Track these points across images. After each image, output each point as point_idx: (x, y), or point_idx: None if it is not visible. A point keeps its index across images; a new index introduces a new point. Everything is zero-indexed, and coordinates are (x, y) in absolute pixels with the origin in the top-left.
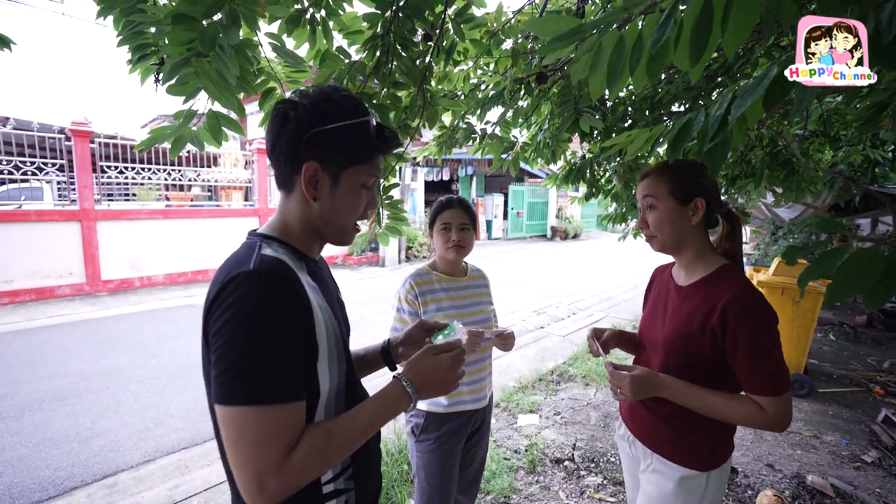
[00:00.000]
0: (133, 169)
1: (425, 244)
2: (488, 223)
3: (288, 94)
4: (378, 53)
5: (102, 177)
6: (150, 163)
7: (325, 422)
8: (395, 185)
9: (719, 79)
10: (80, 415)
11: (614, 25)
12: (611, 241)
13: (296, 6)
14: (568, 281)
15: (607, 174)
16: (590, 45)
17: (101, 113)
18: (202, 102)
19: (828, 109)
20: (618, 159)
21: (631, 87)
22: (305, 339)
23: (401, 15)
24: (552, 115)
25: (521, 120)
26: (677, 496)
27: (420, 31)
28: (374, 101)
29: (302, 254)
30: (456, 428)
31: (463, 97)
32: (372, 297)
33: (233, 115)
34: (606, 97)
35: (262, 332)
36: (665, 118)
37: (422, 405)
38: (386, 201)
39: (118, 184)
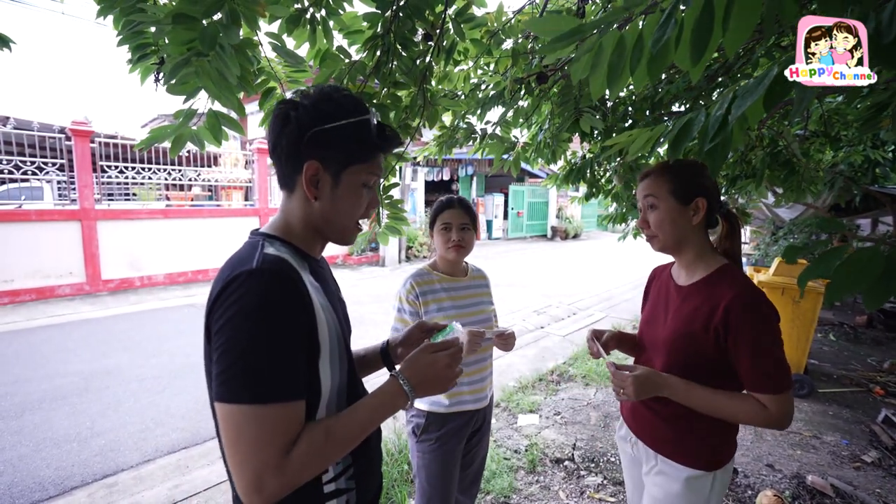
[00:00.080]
0: (133, 168)
1: (425, 244)
2: (488, 223)
3: (288, 94)
4: (378, 53)
5: (103, 176)
6: (150, 162)
7: (323, 421)
8: (395, 184)
9: (720, 79)
10: (80, 414)
11: (615, 25)
12: (611, 241)
13: (296, 6)
14: (568, 281)
15: (607, 174)
16: (590, 44)
17: (102, 113)
18: (202, 102)
19: (828, 109)
20: (618, 159)
21: (631, 87)
22: (307, 338)
23: (401, 14)
24: (552, 115)
25: (521, 120)
26: (684, 497)
27: (420, 31)
28: (375, 101)
29: (304, 253)
30: (457, 428)
31: (463, 97)
32: (372, 297)
33: (233, 115)
34: (607, 97)
35: (264, 330)
36: (665, 118)
37: (423, 405)
38: (386, 201)
39: (118, 183)
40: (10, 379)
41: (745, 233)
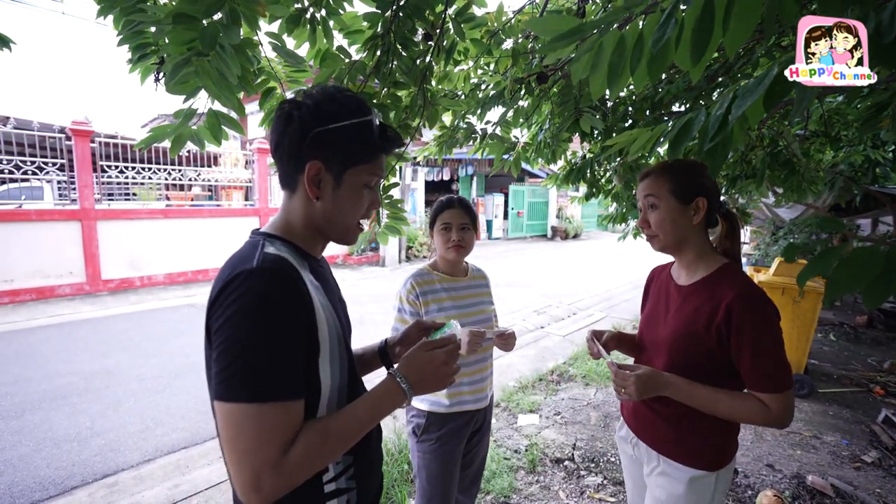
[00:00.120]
0: (133, 168)
1: (425, 244)
2: (489, 223)
3: (289, 94)
4: (378, 53)
5: (103, 176)
6: (150, 162)
7: (321, 420)
8: (395, 184)
9: (720, 79)
10: (80, 414)
11: (615, 25)
12: (611, 241)
13: (296, 5)
14: (568, 281)
15: (607, 174)
16: (590, 44)
17: (102, 112)
18: (202, 101)
19: (828, 109)
20: (618, 159)
21: (631, 86)
22: (307, 337)
23: (401, 14)
24: (552, 115)
25: (521, 120)
26: (687, 498)
27: (420, 31)
28: (375, 101)
29: (305, 252)
30: (457, 428)
31: (463, 97)
32: (372, 297)
33: (233, 115)
34: (607, 97)
35: (264, 329)
36: (666, 118)
37: (423, 405)
38: (385, 201)
39: (118, 183)
40: (10, 379)
41: (745, 233)
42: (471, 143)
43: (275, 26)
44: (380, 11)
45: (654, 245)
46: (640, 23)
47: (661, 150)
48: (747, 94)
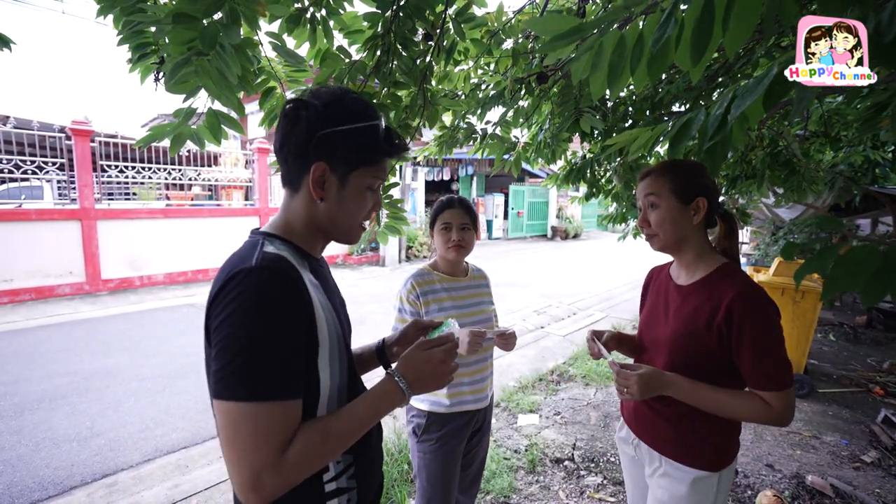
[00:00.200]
0: (133, 168)
1: (426, 244)
2: (489, 223)
3: (289, 94)
4: (378, 53)
5: (103, 176)
6: (150, 162)
7: (320, 419)
8: (395, 184)
9: (720, 79)
10: (79, 414)
11: (615, 25)
12: (611, 241)
13: (296, 5)
14: (568, 281)
15: (608, 174)
16: (590, 44)
17: (102, 112)
18: (202, 101)
19: (828, 110)
20: (618, 159)
21: (632, 87)
22: (306, 336)
23: (401, 14)
24: (552, 115)
25: (521, 120)
26: (690, 499)
27: (420, 31)
28: (375, 101)
29: (304, 252)
30: (458, 428)
31: (463, 97)
32: (372, 297)
33: (233, 114)
34: (607, 97)
35: (262, 328)
36: (666, 118)
37: (423, 405)
38: (385, 201)
39: (118, 183)
40: (9, 378)
41: (746, 233)
42: (471, 143)
43: (275, 26)
44: (380, 11)
45: (654, 244)
46: (641, 23)
47: (662, 150)
48: (747, 94)
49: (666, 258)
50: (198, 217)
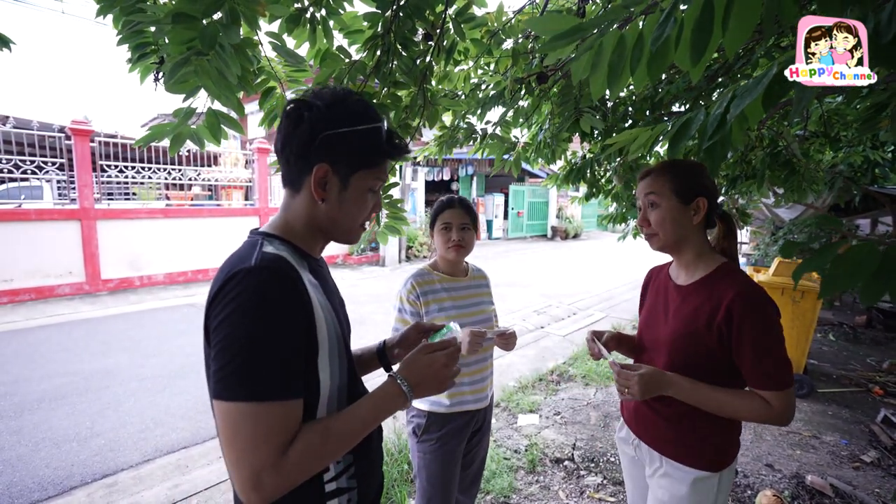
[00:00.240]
0: (133, 168)
1: (426, 244)
2: (489, 223)
3: (289, 94)
4: (378, 53)
5: (102, 176)
6: (150, 162)
7: (322, 420)
8: (395, 184)
9: (720, 79)
10: (79, 414)
11: (615, 25)
12: (611, 241)
13: (296, 5)
14: (568, 281)
15: (608, 174)
16: (590, 43)
17: (101, 112)
18: (202, 101)
19: (828, 110)
20: (618, 159)
21: (632, 87)
22: (305, 337)
23: (401, 14)
24: (552, 115)
25: (521, 120)
26: (690, 499)
27: (420, 31)
28: (375, 101)
29: (304, 252)
30: (458, 428)
31: (463, 97)
32: (372, 297)
33: (232, 114)
34: (607, 97)
35: (262, 328)
36: (666, 118)
37: (424, 405)
38: (385, 201)
39: (118, 183)
40: (9, 378)
41: (745, 233)
42: (471, 143)
43: (275, 26)
44: (380, 11)
45: (654, 244)
46: (640, 23)
47: (662, 150)
48: (746, 94)
49: (665, 258)
50: (198, 217)
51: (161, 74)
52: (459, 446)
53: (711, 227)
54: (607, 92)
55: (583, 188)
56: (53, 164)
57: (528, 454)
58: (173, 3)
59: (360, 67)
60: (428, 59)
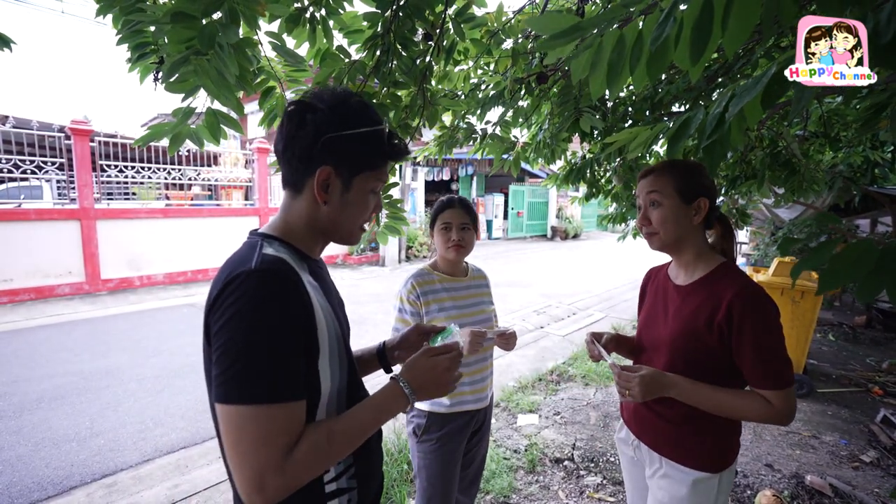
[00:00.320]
0: (133, 168)
1: (425, 244)
2: (489, 223)
3: (289, 94)
4: (378, 53)
5: (102, 175)
6: (150, 162)
7: (325, 422)
8: (395, 184)
9: (720, 79)
10: (79, 414)
11: (615, 24)
12: (611, 242)
13: (296, 5)
14: (568, 281)
15: (607, 174)
16: (590, 42)
17: (101, 112)
18: (201, 100)
19: (828, 110)
20: (618, 159)
21: (631, 87)
22: (306, 339)
23: (401, 14)
24: (552, 115)
25: (521, 120)
26: (690, 500)
27: (420, 31)
28: (375, 101)
29: (303, 254)
30: (458, 428)
31: (463, 97)
32: (372, 297)
33: (232, 114)
34: (607, 97)
35: (263, 331)
36: (665, 118)
37: (424, 405)
38: (385, 201)
39: (118, 183)
40: (8, 378)
41: (745, 233)
42: (471, 143)
43: (274, 26)
44: (380, 11)
45: (653, 243)
46: (640, 22)
47: (661, 150)
48: (745, 93)
49: (664, 258)
50: (197, 217)
51: (160, 74)
52: (459, 446)
53: (709, 227)
54: (607, 92)
55: (582, 188)
56: (53, 163)
57: (528, 454)
58: (172, 2)
59: (359, 67)
60: (428, 59)
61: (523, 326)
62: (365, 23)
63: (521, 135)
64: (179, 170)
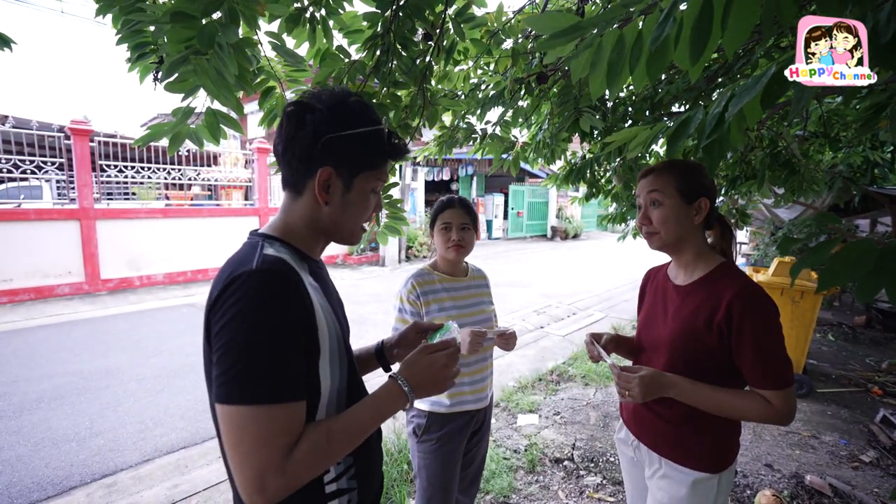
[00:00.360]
0: (133, 168)
1: (425, 244)
2: (489, 223)
3: (288, 94)
4: (378, 53)
5: (102, 175)
6: (149, 162)
7: (325, 421)
8: (395, 184)
9: (720, 79)
10: (79, 414)
11: (615, 24)
12: (611, 242)
13: (296, 5)
14: (568, 281)
15: (607, 174)
16: (590, 41)
17: (101, 112)
18: (201, 100)
19: (827, 110)
20: (618, 159)
21: (631, 87)
22: (307, 339)
23: (401, 14)
24: (552, 115)
25: (521, 120)
26: (690, 501)
27: (420, 31)
28: (375, 101)
29: (304, 254)
30: (458, 428)
31: (463, 97)
32: (372, 297)
33: (232, 114)
34: (607, 97)
35: (264, 331)
36: (665, 118)
37: (424, 406)
38: (385, 201)
39: (118, 183)
40: (8, 378)
41: (745, 233)
42: (471, 143)
43: (274, 25)
44: (380, 11)
45: (653, 243)
46: (640, 22)
47: (661, 150)
48: (744, 93)
49: (663, 258)
50: (197, 217)
51: (160, 74)
52: (459, 446)
53: (709, 228)
54: (607, 92)
55: (582, 188)
56: (53, 163)
57: (528, 454)
58: (172, 2)
59: (359, 67)
60: (428, 58)
61: (523, 326)
62: (365, 23)
63: (520, 135)
64: (179, 170)
